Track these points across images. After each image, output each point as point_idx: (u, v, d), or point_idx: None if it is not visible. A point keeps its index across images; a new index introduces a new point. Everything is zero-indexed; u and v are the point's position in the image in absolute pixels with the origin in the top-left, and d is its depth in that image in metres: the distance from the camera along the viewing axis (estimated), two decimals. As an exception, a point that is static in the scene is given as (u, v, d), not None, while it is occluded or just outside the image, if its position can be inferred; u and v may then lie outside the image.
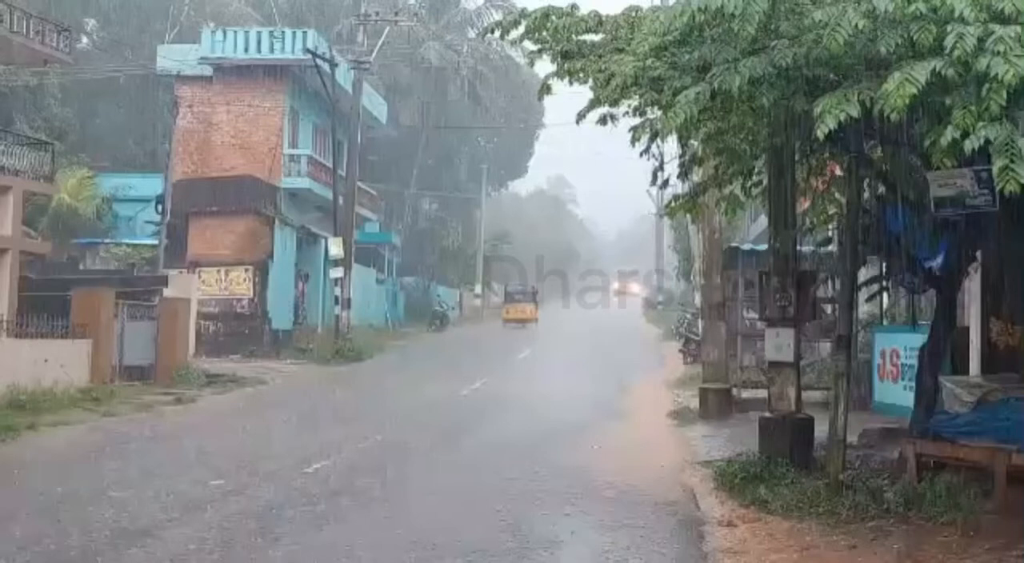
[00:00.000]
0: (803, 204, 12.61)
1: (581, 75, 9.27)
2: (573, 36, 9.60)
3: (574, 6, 9.72)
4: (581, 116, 9.73)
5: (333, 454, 13.21)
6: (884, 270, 13.43)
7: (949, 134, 6.52)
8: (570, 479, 11.61)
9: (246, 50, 33.66)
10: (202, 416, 18.16)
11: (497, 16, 42.02)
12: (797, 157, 11.05)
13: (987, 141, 6.38)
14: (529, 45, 10.26)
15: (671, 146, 13.18)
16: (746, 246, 20.18)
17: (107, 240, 32.45)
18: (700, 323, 23.51)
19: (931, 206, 8.78)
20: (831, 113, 6.84)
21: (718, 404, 17.57)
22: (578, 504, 10.27)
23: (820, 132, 6.95)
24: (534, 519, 9.56)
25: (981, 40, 6.46)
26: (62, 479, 11.32)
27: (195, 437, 15.56)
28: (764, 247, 14.52)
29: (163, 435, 15.64)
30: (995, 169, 6.34)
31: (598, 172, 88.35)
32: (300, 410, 19.12)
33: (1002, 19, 6.61)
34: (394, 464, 12.71)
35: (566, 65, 9.48)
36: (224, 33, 34.39)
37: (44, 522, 9.02)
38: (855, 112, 6.89)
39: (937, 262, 11.28)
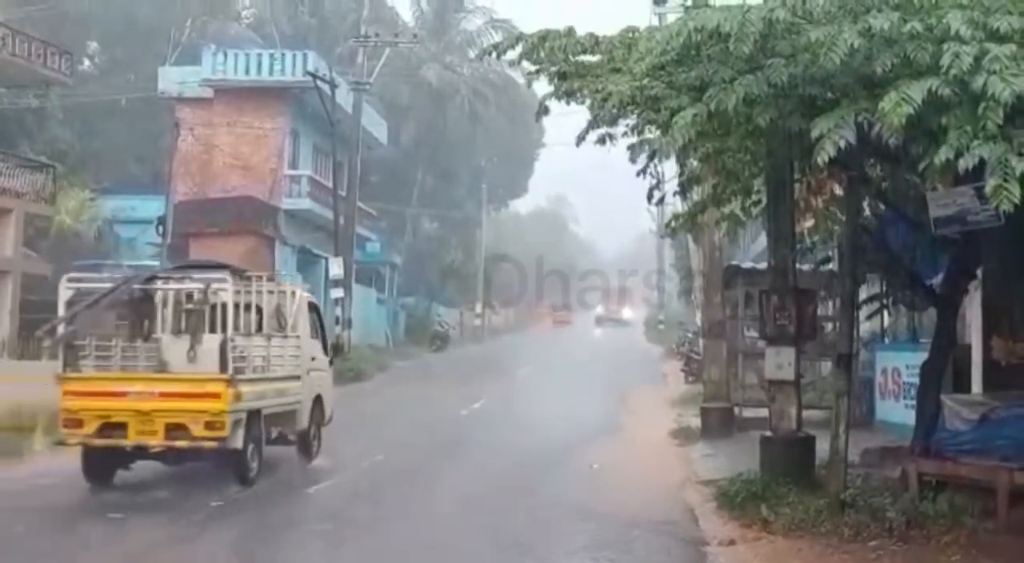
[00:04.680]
0: (802, 223, 12.62)
1: (578, 95, 9.30)
2: (570, 57, 9.64)
3: (571, 29, 9.75)
4: (580, 138, 9.75)
5: (333, 476, 13.16)
6: (884, 288, 13.44)
7: (943, 154, 6.54)
8: (571, 498, 11.57)
9: (247, 72, 33.78)
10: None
11: (497, 37, 42.15)
12: (796, 176, 11.07)
13: (982, 160, 6.39)
14: (528, 65, 10.29)
15: (670, 165, 13.20)
16: (746, 264, 20.15)
17: (108, 262, 32.43)
18: (701, 342, 23.45)
19: (931, 225, 8.78)
20: (830, 139, 6.85)
21: (719, 423, 17.50)
22: (579, 524, 10.23)
23: (820, 159, 6.98)
24: (534, 539, 9.51)
25: (977, 59, 6.48)
26: (63, 502, 11.30)
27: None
28: (764, 265, 14.52)
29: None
30: (988, 188, 6.36)
31: (599, 190, 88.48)
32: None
33: (998, 38, 6.63)
34: (394, 486, 12.66)
35: (563, 86, 9.52)
36: (225, 55, 34.43)
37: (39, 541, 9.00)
38: (852, 137, 6.91)
39: (937, 280, 11.29)
